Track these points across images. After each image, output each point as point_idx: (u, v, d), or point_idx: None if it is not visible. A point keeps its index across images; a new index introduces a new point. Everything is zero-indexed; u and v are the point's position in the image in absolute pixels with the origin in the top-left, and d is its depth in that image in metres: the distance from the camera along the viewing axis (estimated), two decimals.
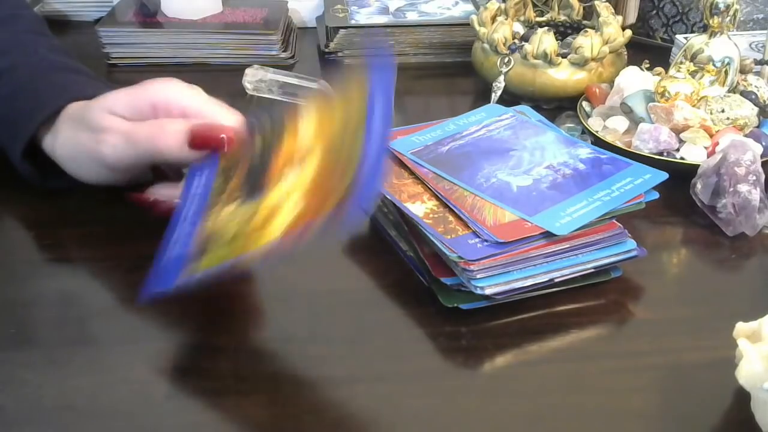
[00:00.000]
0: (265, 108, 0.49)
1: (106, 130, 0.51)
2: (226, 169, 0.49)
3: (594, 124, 0.68)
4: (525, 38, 0.76)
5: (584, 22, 0.82)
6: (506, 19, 0.78)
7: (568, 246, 0.48)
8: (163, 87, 0.52)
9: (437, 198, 0.51)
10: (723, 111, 0.64)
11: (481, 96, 0.78)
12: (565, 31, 0.83)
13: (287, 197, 0.44)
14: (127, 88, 0.53)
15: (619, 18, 0.78)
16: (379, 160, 0.42)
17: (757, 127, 0.65)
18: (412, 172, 0.54)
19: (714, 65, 0.67)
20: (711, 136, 0.63)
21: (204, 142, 0.50)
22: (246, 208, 0.45)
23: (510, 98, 0.75)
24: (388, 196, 0.52)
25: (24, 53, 0.59)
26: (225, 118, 0.51)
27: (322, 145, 0.46)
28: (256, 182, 0.46)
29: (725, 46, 0.67)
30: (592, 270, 0.50)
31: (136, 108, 0.52)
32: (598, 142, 0.65)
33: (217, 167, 0.50)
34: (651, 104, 0.65)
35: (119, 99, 0.52)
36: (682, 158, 0.62)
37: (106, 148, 0.52)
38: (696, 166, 0.59)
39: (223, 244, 0.44)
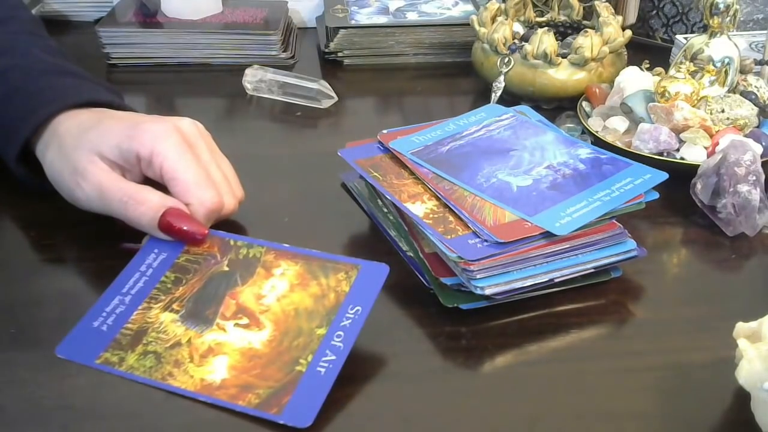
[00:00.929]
0: (246, 240, 0.49)
1: (85, 176, 0.51)
2: (183, 269, 0.49)
3: (594, 124, 0.68)
4: (525, 38, 0.76)
5: (584, 22, 0.82)
6: (506, 19, 0.78)
7: (568, 246, 0.48)
8: (153, 140, 0.50)
9: (437, 198, 0.51)
10: (723, 111, 0.64)
11: (481, 96, 0.78)
12: (565, 31, 0.83)
13: (222, 349, 0.44)
14: (125, 125, 0.52)
15: (619, 18, 0.78)
16: (328, 377, 0.41)
17: (757, 127, 0.65)
18: (412, 172, 0.54)
19: (714, 65, 0.67)
20: (711, 136, 0.63)
21: (172, 231, 0.49)
22: (182, 330, 0.45)
23: (510, 98, 0.75)
24: (388, 196, 0.52)
25: (18, 54, 0.59)
26: (201, 192, 0.50)
27: (279, 316, 0.45)
28: (200, 310, 0.46)
29: (725, 46, 0.67)
30: (592, 270, 0.50)
31: (123, 156, 0.51)
32: (598, 142, 0.64)
33: (176, 256, 0.49)
34: (651, 104, 0.65)
35: (110, 141, 0.51)
36: (682, 158, 0.62)
37: (80, 194, 0.51)
38: (696, 166, 0.59)
39: (151, 352, 0.44)
